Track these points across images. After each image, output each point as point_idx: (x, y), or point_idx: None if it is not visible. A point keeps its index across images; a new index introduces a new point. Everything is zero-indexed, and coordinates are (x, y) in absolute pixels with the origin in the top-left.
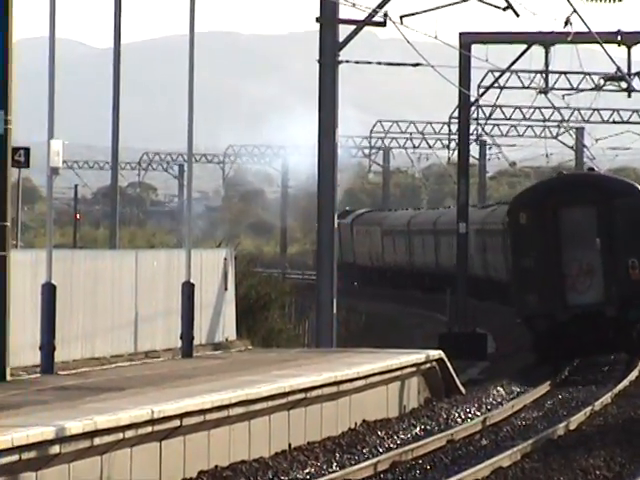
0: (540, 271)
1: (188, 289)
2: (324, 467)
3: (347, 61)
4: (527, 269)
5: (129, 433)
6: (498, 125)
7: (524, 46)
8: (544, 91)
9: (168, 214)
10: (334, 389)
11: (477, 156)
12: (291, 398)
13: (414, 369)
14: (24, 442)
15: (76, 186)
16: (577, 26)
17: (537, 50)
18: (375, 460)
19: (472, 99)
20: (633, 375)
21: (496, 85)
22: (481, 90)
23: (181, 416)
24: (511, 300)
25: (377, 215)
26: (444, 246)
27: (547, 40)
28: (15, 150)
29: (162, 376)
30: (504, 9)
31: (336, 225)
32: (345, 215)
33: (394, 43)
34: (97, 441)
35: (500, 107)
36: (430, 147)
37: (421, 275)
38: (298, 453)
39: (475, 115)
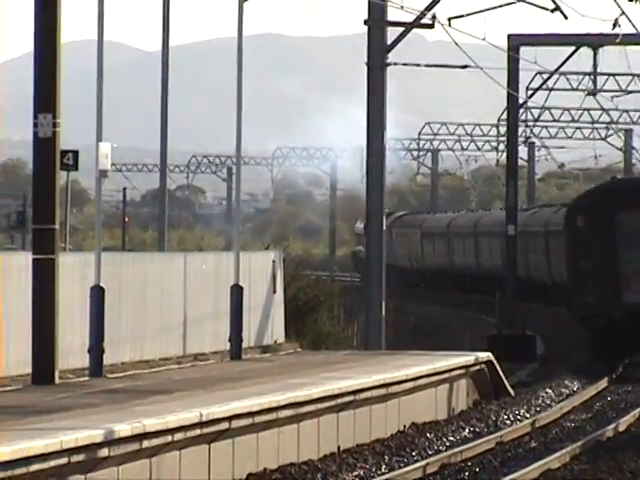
0: (597, 272)
1: (237, 292)
2: (373, 469)
3: (395, 63)
4: (584, 270)
5: (178, 436)
6: (547, 127)
7: (572, 48)
8: (593, 93)
9: (217, 217)
10: (383, 391)
11: (526, 158)
12: (340, 400)
13: (463, 371)
14: (73, 445)
15: (125, 189)
16: (625, 28)
17: (585, 52)
18: (424, 462)
19: (521, 101)
20: None
21: (544, 87)
22: (529, 92)
23: (230, 419)
24: (567, 300)
25: (416, 218)
26: (484, 248)
27: (595, 42)
28: (64, 153)
29: (211, 379)
30: (552, 11)
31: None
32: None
33: (442, 45)
34: (146, 444)
35: (549, 109)
36: (479, 149)
37: (461, 276)
38: (347, 455)
39: (524, 117)
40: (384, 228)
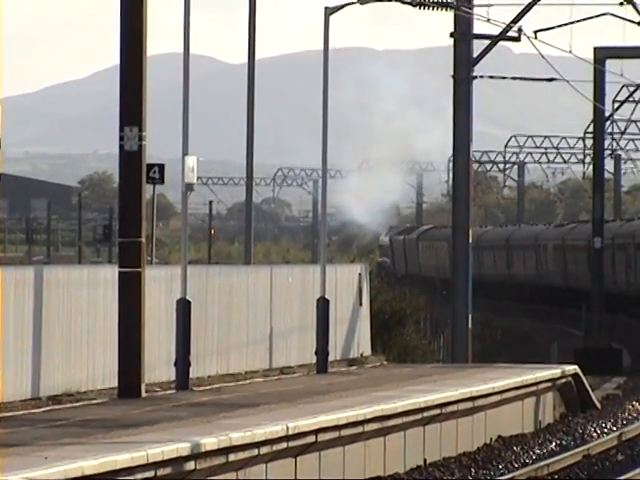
0: None
1: (323, 305)
2: None
3: (481, 76)
4: None
5: (264, 449)
6: (633, 140)
7: None
8: None
9: (302, 229)
10: (469, 404)
11: (612, 171)
12: (426, 414)
13: (550, 384)
14: (159, 458)
15: (211, 202)
16: None
17: None
18: (511, 476)
19: (607, 114)
20: None
21: (631, 99)
22: (616, 104)
23: (316, 432)
24: None
25: (443, 231)
26: (517, 260)
27: None
28: (150, 167)
29: (297, 392)
30: (639, 23)
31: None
32: (410, 231)
33: (528, 58)
34: (232, 457)
35: (635, 122)
36: (565, 162)
37: (490, 285)
38: (433, 469)
39: (610, 130)
40: (470, 241)
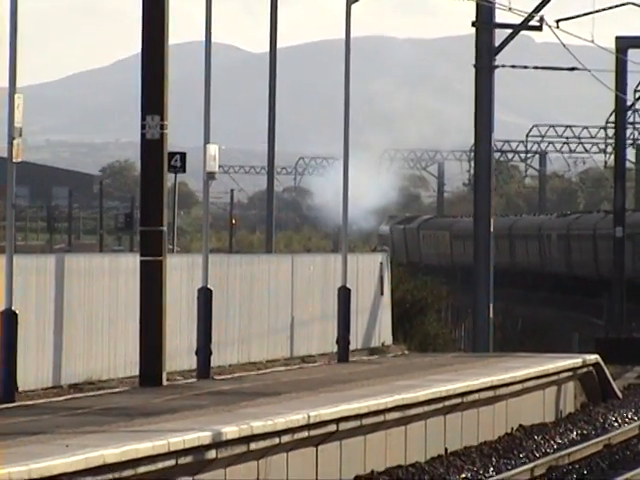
0: None
1: (344, 294)
2: (480, 472)
3: (503, 65)
4: None
5: (285, 438)
6: None
7: None
8: None
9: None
10: (490, 394)
11: (633, 160)
12: (447, 403)
13: (571, 374)
14: (181, 447)
15: (232, 190)
16: None
17: None
18: (532, 465)
19: (628, 103)
20: None
21: None
22: (637, 94)
23: (337, 421)
24: None
25: (444, 221)
26: (520, 249)
27: None
28: (171, 155)
29: (318, 381)
30: None
31: (387, 229)
32: (410, 220)
33: (550, 47)
34: (253, 446)
35: None
36: (587, 151)
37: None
38: (454, 458)
39: (631, 119)
40: (491, 230)
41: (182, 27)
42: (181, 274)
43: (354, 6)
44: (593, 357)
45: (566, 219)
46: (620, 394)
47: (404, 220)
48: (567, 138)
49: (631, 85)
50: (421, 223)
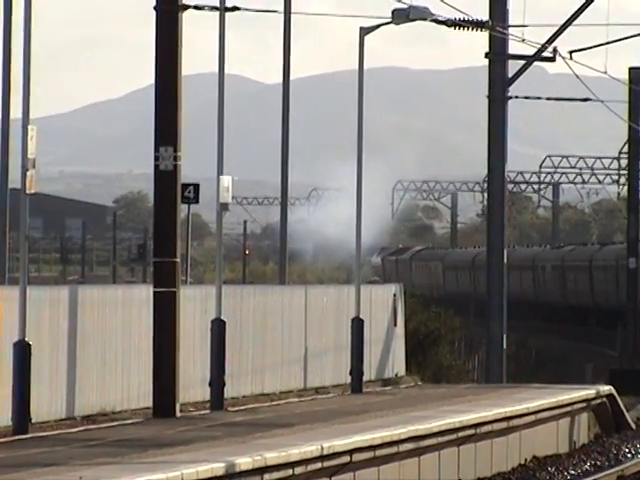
0: None
1: (358, 325)
2: None
3: (517, 97)
4: None
5: (299, 469)
6: None
7: None
8: None
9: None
10: (504, 425)
11: None
12: (461, 434)
13: (585, 405)
14: (194, 478)
15: (245, 222)
16: None
17: None
18: None
19: None
20: None
21: None
22: None
23: (351, 452)
24: None
25: (436, 252)
26: (515, 279)
27: None
28: (185, 186)
29: (332, 412)
30: None
31: (377, 261)
32: (402, 252)
33: (563, 78)
34: (267, 477)
35: None
36: (600, 182)
37: (482, 302)
38: None
39: None
40: (505, 261)
41: (195, 58)
42: (194, 305)
43: (367, 37)
44: (607, 388)
45: (588, 249)
46: (634, 425)
47: (396, 251)
48: (580, 169)
49: None
50: (413, 254)
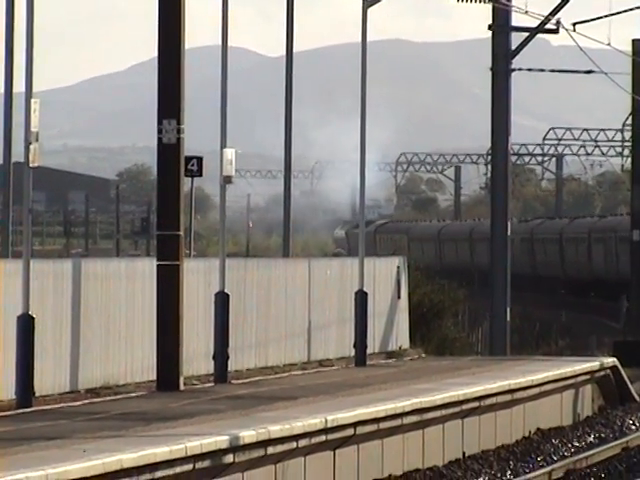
0: None
1: (361, 298)
2: (498, 475)
3: (520, 69)
4: None
5: (302, 442)
6: None
7: None
8: None
9: (340, 222)
10: (508, 397)
11: None
12: (465, 406)
13: (588, 377)
14: (198, 451)
15: (249, 195)
16: None
17: None
18: (549, 468)
19: None
20: None
21: None
22: None
23: (355, 425)
24: None
25: (401, 225)
26: (479, 250)
27: None
28: (188, 159)
29: (335, 385)
30: None
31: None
32: (366, 225)
33: (567, 50)
34: (271, 450)
35: None
36: (603, 154)
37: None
38: (472, 462)
39: None
40: (508, 233)
41: (198, 31)
42: (198, 278)
43: (370, 10)
44: (611, 360)
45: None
46: (638, 397)
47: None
48: (584, 141)
49: None
50: (378, 227)
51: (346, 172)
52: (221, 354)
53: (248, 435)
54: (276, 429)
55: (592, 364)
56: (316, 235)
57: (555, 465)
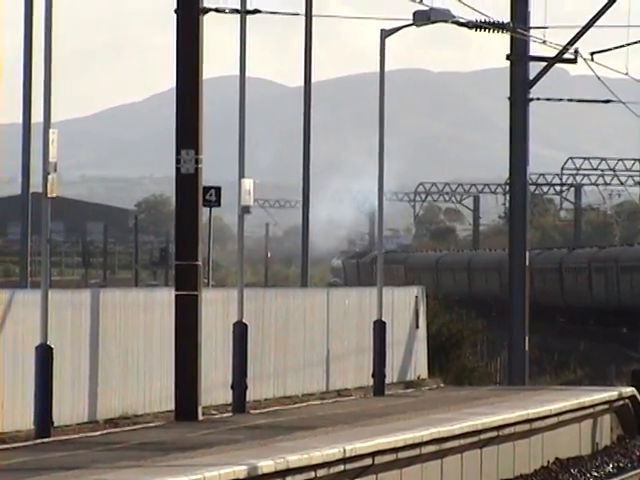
0: None
1: (380, 327)
2: None
3: (538, 98)
4: None
5: (321, 472)
6: None
7: None
8: None
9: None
10: (526, 427)
11: None
12: (483, 436)
13: (607, 406)
14: None
15: (267, 224)
16: None
17: None
18: None
19: None
20: None
21: None
22: None
23: (373, 454)
24: None
25: (399, 255)
26: (479, 280)
27: None
28: (206, 189)
29: (354, 415)
30: None
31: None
32: (362, 255)
33: (585, 79)
34: None
35: None
36: (622, 184)
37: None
38: None
39: None
40: (526, 264)
41: (216, 61)
42: (216, 308)
43: (388, 40)
44: (629, 390)
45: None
46: None
47: (355, 255)
48: (602, 171)
49: None
50: (374, 257)
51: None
52: (239, 384)
53: (266, 465)
54: (294, 459)
55: (611, 394)
56: (315, 265)
57: None
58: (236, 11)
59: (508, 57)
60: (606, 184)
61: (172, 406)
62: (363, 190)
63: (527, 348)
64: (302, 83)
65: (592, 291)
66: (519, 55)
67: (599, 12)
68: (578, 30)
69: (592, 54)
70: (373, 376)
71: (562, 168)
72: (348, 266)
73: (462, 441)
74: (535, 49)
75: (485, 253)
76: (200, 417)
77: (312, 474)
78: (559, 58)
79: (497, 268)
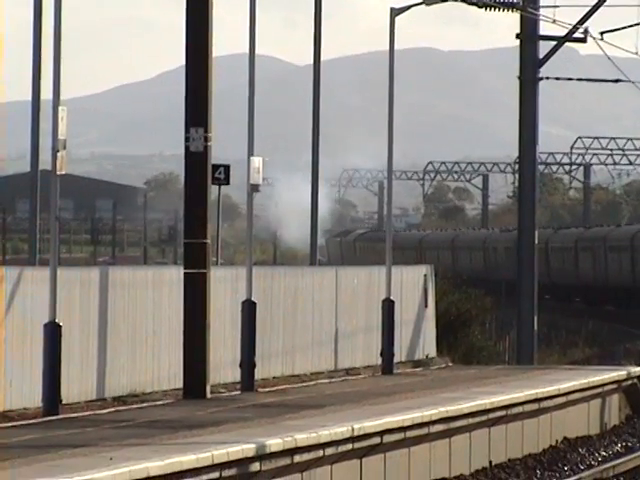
0: None
1: (388, 306)
2: None
3: (547, 78)
4: None
5: (329, 450)
6: None
7: None
8: None
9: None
10: (535, 406)
11: None
12: (492, 415)
13: (615, 386)
14: (225, 459)
15: (276, 203)
16: None
17: None
18: (576, 477)
19: None
20: None
21: None
22: None
23: (381, 433)
24: None
25: (381, 234)
26: (463, 258)
27: None
28: (215, 167)
29: (362, 393)
30: None
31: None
32: (346, 234)
33: (595, 59)
34: (297, 458)
35: None
36: (631, 163)
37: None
38: (499, 470)
39: None
40: (535, 242)
41: (225, 39)
42: (225, 286)
43: (398, 18)
44: (638, 369)
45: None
46: None
47: (340, 233)
48: (611, 150)
49: None
50: (358, 236)
51: (373, 180)
52: (248, 362)
53: (275, 443)
54: (303, 437)
55: (619, 373)
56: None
57: (582, 474)
58: None
59: (518, 36)
60: (615, 163)
61: (180, 384)
62: (371, 169)
63: (536, 327)
64: (311, 61)
65: (607, 271)
66: (529, 34)
67: None
68: (588, 9)
69: (602, 33)
70: (381, 355)
71: (571, 147)
72: (331, 244)
73: (470, 420)
74: (545, 28)
75: (468, 232)
76: (208, 395)
77: (320, 452)
78: (569, 37)
79: (482, 247)
